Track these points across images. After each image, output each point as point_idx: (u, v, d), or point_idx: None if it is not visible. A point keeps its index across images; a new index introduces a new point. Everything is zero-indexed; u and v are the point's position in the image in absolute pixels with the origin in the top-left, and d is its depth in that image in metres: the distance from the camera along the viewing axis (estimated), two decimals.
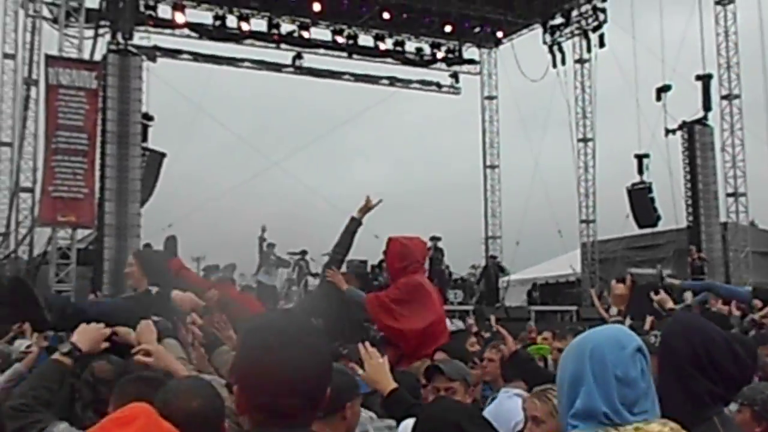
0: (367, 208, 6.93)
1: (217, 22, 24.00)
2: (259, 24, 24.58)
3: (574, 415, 2.31)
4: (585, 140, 27.26)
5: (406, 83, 27.89)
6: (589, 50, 26.23)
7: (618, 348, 2.31)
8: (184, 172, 26.96)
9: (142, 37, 22.56)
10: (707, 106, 23.11)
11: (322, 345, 2.27)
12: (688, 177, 23.25)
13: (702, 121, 23.14)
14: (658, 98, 23.63)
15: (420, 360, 5.78)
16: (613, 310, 5.21)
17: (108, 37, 20.55)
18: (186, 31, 24.17)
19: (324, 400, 2.19)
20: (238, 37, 24.57)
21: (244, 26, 24.12)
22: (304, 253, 22.41)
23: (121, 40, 20.36)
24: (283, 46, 25.52)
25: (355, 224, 6.90)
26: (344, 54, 26.25)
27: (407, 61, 27.06)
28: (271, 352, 2.10)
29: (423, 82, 28.18)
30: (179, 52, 24.36)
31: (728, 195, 23.70)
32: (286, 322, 2.22)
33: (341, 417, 3.30)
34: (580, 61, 27.01)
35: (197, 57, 24.72)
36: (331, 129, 30.11)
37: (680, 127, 23.30)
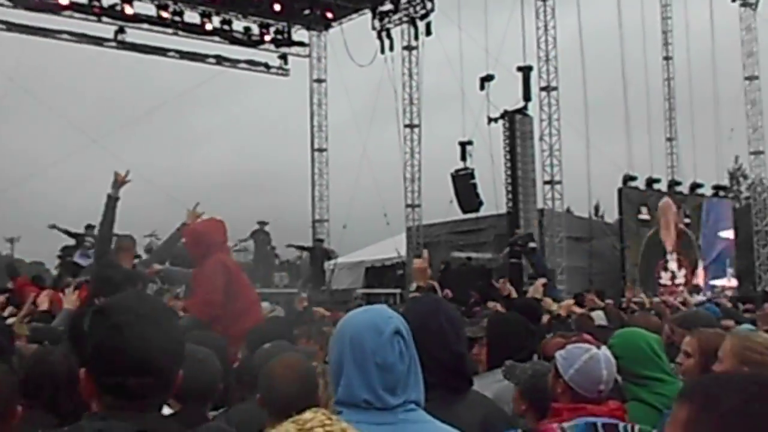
0: (119, 183, 6.88)
1: None
2: None
3: (338, 401, 2.34)
4: (411, 126, 27.68)
5: (233, 63, 27.38)
6: (416, 38, 26.63)
7: (376, 333, 2.33)
8: None
9: None
10: (527, 97, 23.86)
11: (174, 325, 2.26)
12: (509, 164, 23.96)
13: (522, 111, 23.88)
14: (482, 87, 24.23)
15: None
16: (413, 286, 5.34)
17: None
18: None
19: (176, 381, 2.15)
20: (56, 8, 23.31)
21: None
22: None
23: None
24: (104, 19, 24.41)
25: (113, 201, 6.83)
26: (169, 30, 25.42)
27: (235, 41, 26.54)
28: (119, 332, 2.05)
29: (251, 63, 27.72)
30: None
31: (545, 182, 24.64)
32: (135, 302, 2.18)
33: None
34: (408, 48, 27.37)
35: (11, 27, 23.29)
36: (156, 108, 29.16)
37: (502, 116, 23.95)
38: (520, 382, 4.05)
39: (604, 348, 3.60)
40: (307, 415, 0.76)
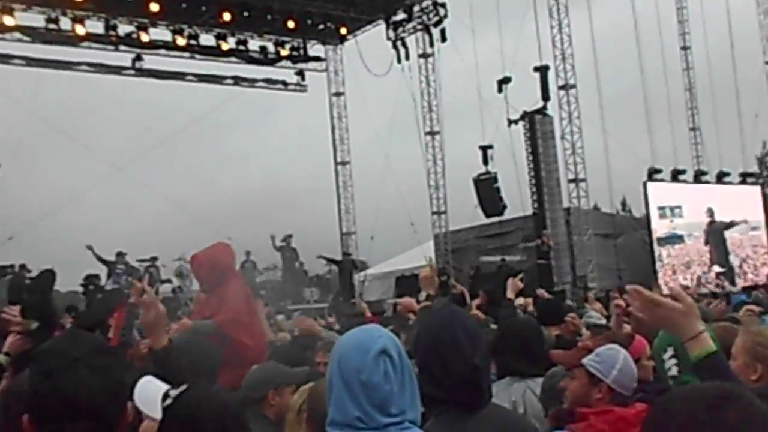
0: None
1: (51, 25, 22.96)
2: (95, 26, 23.62)
3: (331, 422, 2.37)
4: (432, 133, 27.72)
5: (251, 82, 27.55)
6: (431, 45, 26.68)
7: (362, 353, 2.37)
8: (19, 183, 25.81)
9: None
10: (546, 96, 23.82)
11: (112, 364, 2.18)
12: (532, 165, 23.93)
13: (542, 111, 23.85)
14: (500, 90, 24.21)
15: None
16: (422, 295, 5.34)
17: None
18: (17, 35, 23.05)
19: (124, 419, 2.13)
20: (74, 39, 23.59)
21: (79, 29, 23.12)
22: (154, 259, 21.88)
23: None
24: (122, 47, 24.69)
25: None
26: (186, 54, 25.66)
27: (252, 60, 26.71)
28: (51, 377, 2.03)
29: (268, 81, 27.88)
30: (10, 57, 23.28)
31: (570, 181, 24.56)
32: (70, 344, 2.14)
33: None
34: (424, 55, 27.43)
35: (30, 61, 23.62)
36: (178, 132, 29.40)
37: (522, 117, 23.94)
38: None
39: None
40: None
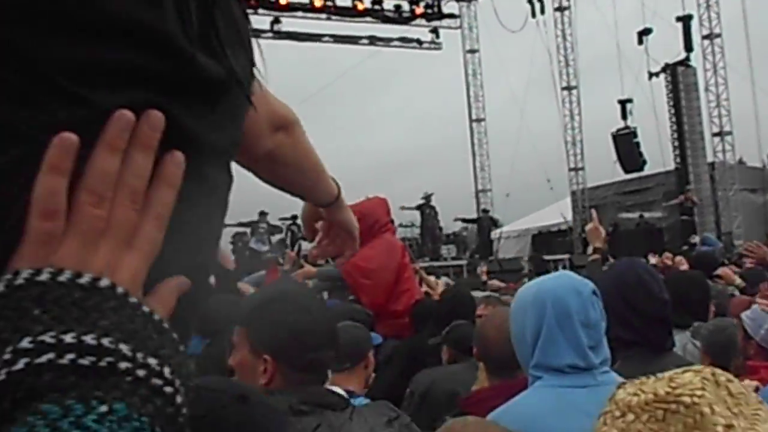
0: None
1: None
2: None
3: (537, 365, 2.37)
4: (569, 88, 27.20)
5: (386, 42, 27.71)
6: None
7: (576, 294, 2.36)
8: None
9: None
10: (689, 47, 23.05)
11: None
12: (673, 119, 23.26)
13: (684, 62, 23.09)
14: (640, 42, 23.58)
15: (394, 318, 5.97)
16: (590, 249, 5.31)
17: None
18: None
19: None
20: None
21: None
22: (294, 218, 22.48)
23: None
24: (260, 11, 25.29)
25: None
26: (323, 16, 26.03)
27: (387, 19, 26.84)
28: (308, 312, 2.28)
29: (403, 39, 27.97)
30: None
31: (714, 135, 23.73)
32: (295, 288, 2.64)
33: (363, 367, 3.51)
34: (560, 9, 26.87)
35: None
36: (316, 93, 29.98)
37: (663, 70, 23.26)
38: (703, 339, 4.05)
39: None
40: (686, 376, 0.75)
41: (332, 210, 1.69)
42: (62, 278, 0.62)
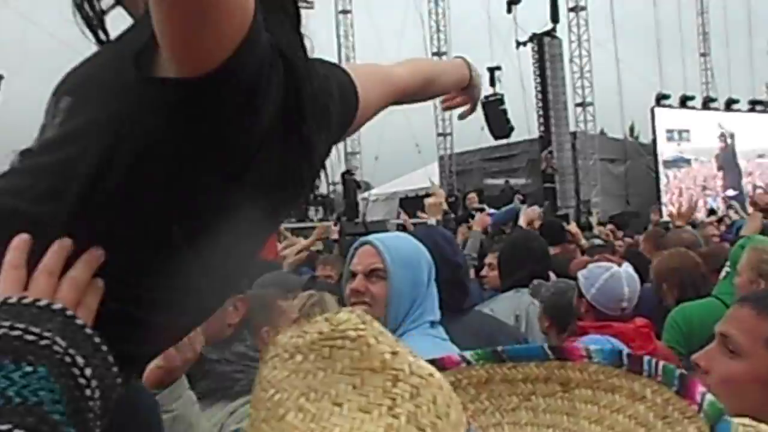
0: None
1: None
2: None
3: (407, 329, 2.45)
4: (439, 54, 27.38)
5: None
6: None
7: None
8: None
9: None
10: (555, 18, 23.50)
11: None
12: (539, 88, 23.75)
13: (551, 33, 23.54)
14: (509, 10, 23.90)
15: None
16: (432, 221, 5.38)
17: None
18: None
19: None
20: None
21: None
22: None
23: None
24: None
25: None
26: None
27: None
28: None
29: None
30: None
31: (577, 105, 24.41)
32: None
33: None
34: None
35: None
36: None
37: (530, 39, 23.65)
38: (543, 300, 4.13)
39: (626, 265, 3.65)
40: (342, 315, 0.78)
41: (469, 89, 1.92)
42: (25, 301, 0.92)
